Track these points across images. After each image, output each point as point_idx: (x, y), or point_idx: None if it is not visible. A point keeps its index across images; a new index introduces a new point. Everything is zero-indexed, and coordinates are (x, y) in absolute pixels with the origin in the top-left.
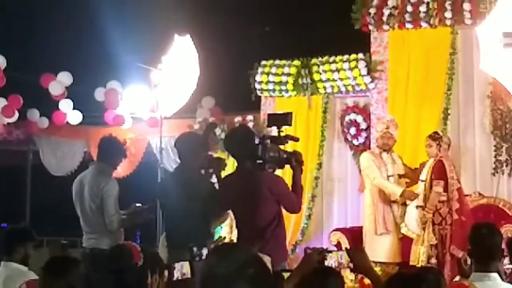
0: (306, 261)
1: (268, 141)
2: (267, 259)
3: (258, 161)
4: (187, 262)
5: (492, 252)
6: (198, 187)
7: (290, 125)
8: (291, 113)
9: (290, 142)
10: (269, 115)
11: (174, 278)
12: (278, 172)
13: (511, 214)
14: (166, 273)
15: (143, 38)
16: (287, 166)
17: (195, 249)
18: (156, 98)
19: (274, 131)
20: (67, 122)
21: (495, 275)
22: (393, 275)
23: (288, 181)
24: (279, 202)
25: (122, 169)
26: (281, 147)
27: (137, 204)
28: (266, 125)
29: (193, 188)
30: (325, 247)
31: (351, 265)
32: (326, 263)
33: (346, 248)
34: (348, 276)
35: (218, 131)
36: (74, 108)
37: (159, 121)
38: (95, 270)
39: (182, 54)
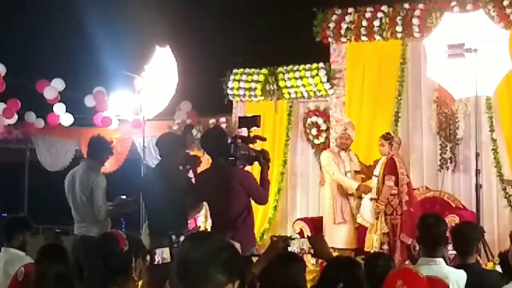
0: (272, 247)
1: (239, 140)
2: (237, 245)
3: (230, 158)
4: (167, 248)
5: (437, 239)
6: (176, 181)
7: (258, 126)
8: (259, 116)
9: (258, 141)
10: (240, 117)
11: (155, 262)
12: (248, 168)
13: (454, 205)
14: (148, 257)
15: (128, 49)
16: (256, 163)
17: (173, 236)
18: (140, 102)
19: (244, 131)
20: (60, 123)
21: (440, 259)
22: (336, 257)
23: (257, 176)
24: (249, 195)
25: (109, 165)
26: (251, 146)
27: (123, 196)
28: (237, 126)
29: (172, 182)
30: (289, 235)
31: (312, 251)
32: (289, 249)
33: (307, 236)
34: (310, 260)
35: (194, 131)
36: (66, 111)
37: (142, 123)
38: (85, 255)
39: (163, 63)
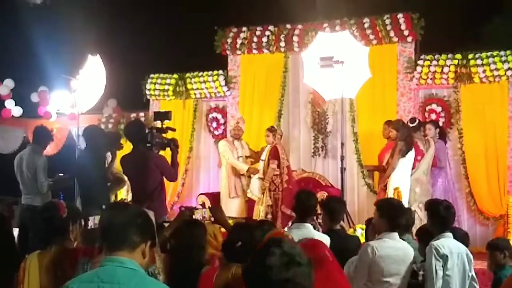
0: (180, 216)
1: (154, 130)
2: (151, 214)
3: (148, 145)
4: (99, 216)
5: (308, 210)
6: (102, 163)
7: (170, 119)
8: (170, 111)
9: (169, 131)
10: (155, 112)
11: (89, 227)
12: (162, 152)
13: (324, 184)
14: (82, 223)
15: (66, 56)
16: (168, 149)
17: (104, 207)
18: (75, 99)
19: (158, 123)
20: (12, 116)
21: (308, 225)
22: (236, 223)
23: (168, 159)
24: (162, 174)
25: (51, 149)
26: (164, 135)
27: (60, 174)
28: (153, 119)
29: (99, 163)
30: (193, 206)
31: (212, 218)
32: (194, 217)
33: (208, 207)
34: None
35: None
36: (16, 105)
37: (77, 116)
38: (30, 221)
39: (93, 68)
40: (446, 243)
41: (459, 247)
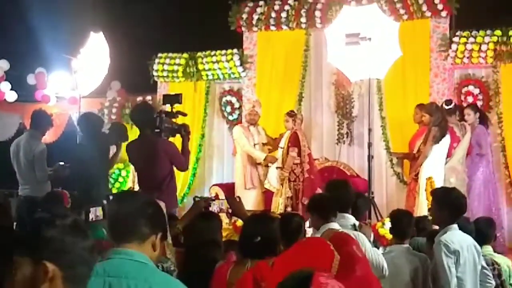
0: (195, 207)
1: (164, 115)
2: (162, 204)
3: (156, 130)
4: (100, 207)
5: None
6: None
7: (180, 103)
8: (181, 94)
9: (180, 116)
10: (164, 95)
11: (90, 219)
12: (171, 139)
13: (349, 174)
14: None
15: (66, 34)
16: (178, 135)
17: (111, 197)
18: (76, 81)
19: (168, 107)
20: (5, 99)
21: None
22: (252, 215)
23: (179, 146)
24: (172, 162)
25: (49, 137)
26: (173, 120)
27: (60, 163)
28: (161, 103)
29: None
30: (209, 197)
31: (230, 210)
32: (210, 209)
33: (226, 197)
34: (224, 220)
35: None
36: (11, 89)
37: (78, 99)
38: (28, 213)
39: (96, 47)
40: (455, 236)
41: (467, 240)
